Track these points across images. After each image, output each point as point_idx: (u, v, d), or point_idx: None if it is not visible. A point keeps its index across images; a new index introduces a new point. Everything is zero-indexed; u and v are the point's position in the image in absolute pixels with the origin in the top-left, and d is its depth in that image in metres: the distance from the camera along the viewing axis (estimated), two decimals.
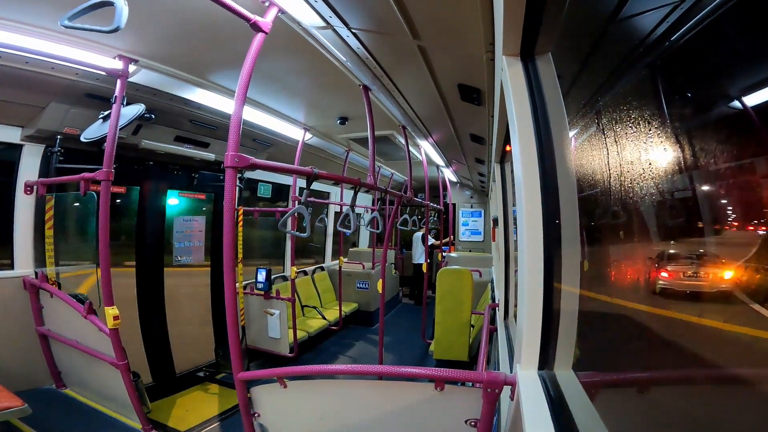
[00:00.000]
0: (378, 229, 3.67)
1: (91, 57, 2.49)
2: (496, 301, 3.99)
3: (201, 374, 4.44)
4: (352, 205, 2.96)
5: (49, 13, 2.08)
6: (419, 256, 8.48)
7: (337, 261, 6.61)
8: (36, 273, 3.14)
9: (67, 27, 1.49)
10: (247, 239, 4.91)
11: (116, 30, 1.45)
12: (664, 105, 1.16)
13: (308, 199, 2.40)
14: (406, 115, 3.57)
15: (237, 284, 4.29)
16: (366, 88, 2.91)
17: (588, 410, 1.06)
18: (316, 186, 2.44)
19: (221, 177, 4.39)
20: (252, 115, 3.68)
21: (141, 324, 3.95)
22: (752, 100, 0.74)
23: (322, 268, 7.05)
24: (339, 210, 7.20)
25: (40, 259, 3.16)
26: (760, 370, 0.66)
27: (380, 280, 3.89)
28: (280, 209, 5.44)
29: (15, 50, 2.30)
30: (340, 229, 3.14)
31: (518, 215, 1.27)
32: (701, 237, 0.82)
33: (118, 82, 2.59)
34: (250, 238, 5.48)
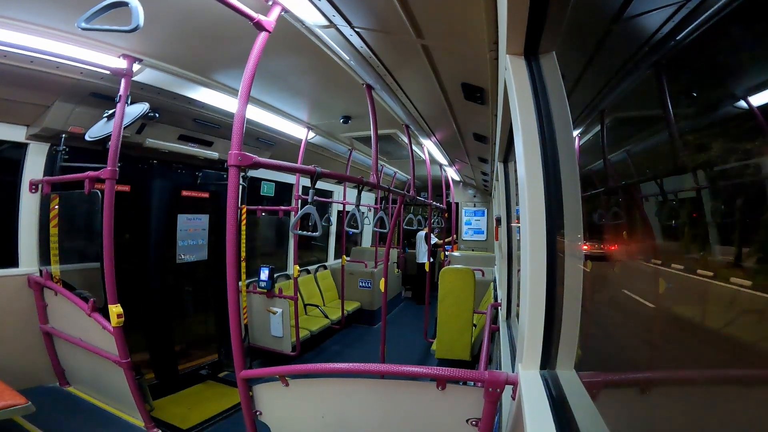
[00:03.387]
0: (386, 228, 3.66)
1: (95, 56, 2.50)
2: (499, 301, 3.98)
3: (203, 372, 4.46)
4: (358, 205, 2.96)
5: (55, 12, 2.09)
6: (422, 255, 8.48)
7: (340, 260, 6.62)
8: (40, 271, 3.16)
9: (84, 29, 1.50)
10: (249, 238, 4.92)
11: (136, 29, 1.47)
12: (669, 104, 1.15)
13: (314, 198, 2.40)
14: (409, 114, 3.56)
15: (240, 282, 4.32)
16: (369, 87, 2.90)
17: (590, 410, 1.06)
18: (319, 185, 2.44)
19: (224, 176, 4.40)
20: (255, 114, 3.68)
21: (144, 322, 3.96)
22: (758, 100, 0.74)
23: (325, 267, 7.06)
24: (342, 209, 7.21)
25: (44, 257, 3.18)
26: (759, 371, 0.66)
27: (383, 279, 3.89)
28: (283, 208, 5.45)
29: (20, 49, 2.31)
30: (347, 229, 3.14)
31: (521, 214, 1.27)
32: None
33: (123, 81, 2.60)
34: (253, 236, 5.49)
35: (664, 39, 1.15)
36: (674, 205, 1.23)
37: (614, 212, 1.88)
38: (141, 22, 1.46)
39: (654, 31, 1.19)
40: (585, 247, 1.21)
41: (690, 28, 1.01)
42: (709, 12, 0.92)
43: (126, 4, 1.47)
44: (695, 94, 1.21)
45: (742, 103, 0.78)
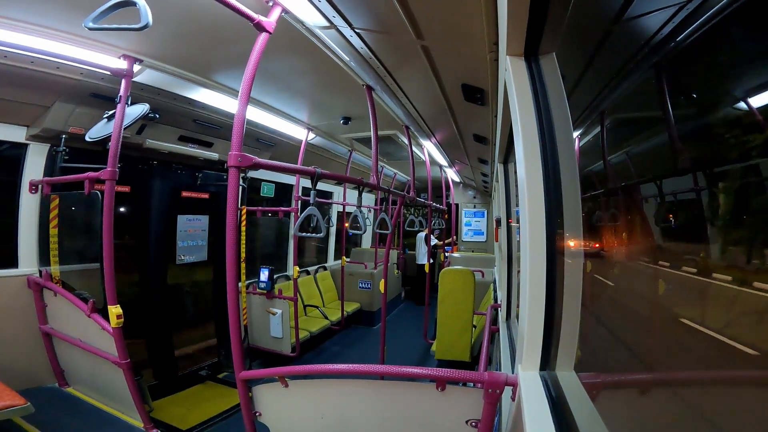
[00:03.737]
0: (388, 229, 3.66)
1: (96, 57, 2.50)
2: (498, 302, 3.98)
3: (203, 373, 4.45)
4: (359, 206, 2.96)
5: (55, 13, 2.09)
6: (422, 256, 8.47)
7: (340, 261, 6.61)
8: (40, 272, 3.15)
9: (91, 29, 1.50)
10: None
11: (145, 27, 1.47)
12: (669, 105, 1.15)
13: (315, 199, 2.40)
14: (409, 115, 3.56)
15: (239, 283, 4.30)
16: (369, 88, 2.90)
17: (589, 411, 1.05)
18: (318, 186, 2.45)
19: (224, 176, 4.39)
20: (255, 115, 3.69)
21: (144, 323, 3.96)
22: (758, 101, 0.74)
23: (325, 268, 7.06)
24: (342, 210, 7.21)
25: (44, 258, 3.18)
26: (759, 372, 0.66)
27: (382, 280, 3.88)
28: (283, 209, 5.45)
29: (21, 50, 2.31)
30: (350, 230, 3.13)
31: (521, 216, 1.27)
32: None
33: (123, 81, 2.60)
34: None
35: (664, 40, 1.15)
36: (672, 206, 1.23)
37: (613, 213, 1.90)
38: (150, 20, 1.47)
39: (654, 33, 1.19)
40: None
41: (690, 29, 1.01)
42: (708, 14, 0.92)
43: (133, 4, 1.47)
44: (695, 96, 1.21)
45: (742, 104, 0.78)
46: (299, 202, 5.08)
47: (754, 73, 0.78)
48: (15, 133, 3.01)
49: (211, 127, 3.83)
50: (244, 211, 4.71)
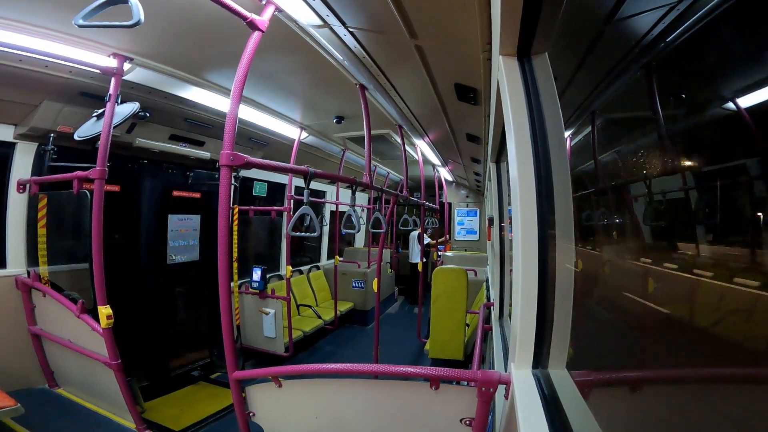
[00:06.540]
0: (382, 228, 3.65)
1: (85, 55, 2.47)
2: (491, 300, 4.00)
3: (195, 374, 4.42)
4: (353, 205, 2.95)
5: (44, 11, 2.07)
6: (415, 255, 8.49)
7: (333, 260, 6.61)
8: (28, 272, 3.11)
9: (81, 26, 1.48)
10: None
11: (137, 24, 1.45)
12: (659, 105, 1.16)
13: (309, 198, 2.39)
14: (402, 115, 3.57)
15: (232, 283, 4.28)
16: (363, 87, 2.90)
17: (581, 409, 1.07)
18: (311, 185, 2.44)
19: (216, 175, 4.36)
20: (248, 114, 3.67)
21: (135, 323, 3.92)
22: (746, 101, 0.75)
23: (318, 267, 7.04)
24: (335, 209, 7.19)
25: (32, 258, 3.13)
26: (750, 369, 0.68)
27: (376, 279, 3.89)
28: (275, 208, 5.43)
29: (8, 48, 2.27)
30: (344, 230, 3.12)
31: (513, 215, 1.27)
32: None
33: (113, 80, 2.57)
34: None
35: (654, 40, 1.16)
36: (660, 206, 1.24)
37: (603, 212, 1.92)
38: (142, 17, 1.45)
39: (645, 33, 1.20)
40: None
41: (680, 29, 1.03)
42: (699, 14, 0.93)
43: (125, 1, 1.45)
44: (684, 96, 1.23)
45: (731, 105, 0.79)
46: (292, 201, 5.06)
47: (743, 73, 0.80)
48: (2, 132, 2.96)
49: (202, 126, 3.80)
50: (236, 210, 4.68)
